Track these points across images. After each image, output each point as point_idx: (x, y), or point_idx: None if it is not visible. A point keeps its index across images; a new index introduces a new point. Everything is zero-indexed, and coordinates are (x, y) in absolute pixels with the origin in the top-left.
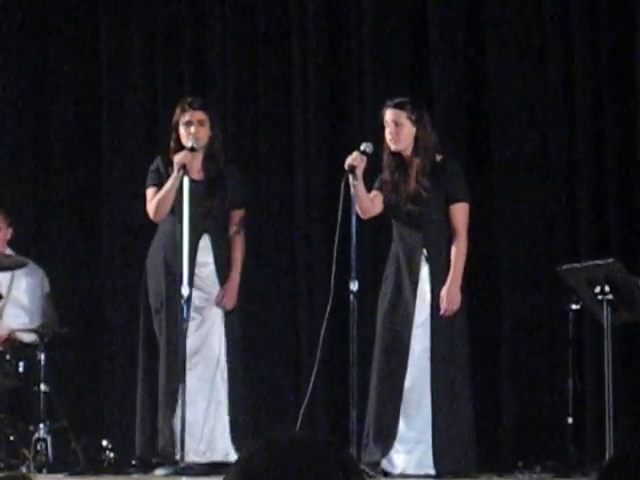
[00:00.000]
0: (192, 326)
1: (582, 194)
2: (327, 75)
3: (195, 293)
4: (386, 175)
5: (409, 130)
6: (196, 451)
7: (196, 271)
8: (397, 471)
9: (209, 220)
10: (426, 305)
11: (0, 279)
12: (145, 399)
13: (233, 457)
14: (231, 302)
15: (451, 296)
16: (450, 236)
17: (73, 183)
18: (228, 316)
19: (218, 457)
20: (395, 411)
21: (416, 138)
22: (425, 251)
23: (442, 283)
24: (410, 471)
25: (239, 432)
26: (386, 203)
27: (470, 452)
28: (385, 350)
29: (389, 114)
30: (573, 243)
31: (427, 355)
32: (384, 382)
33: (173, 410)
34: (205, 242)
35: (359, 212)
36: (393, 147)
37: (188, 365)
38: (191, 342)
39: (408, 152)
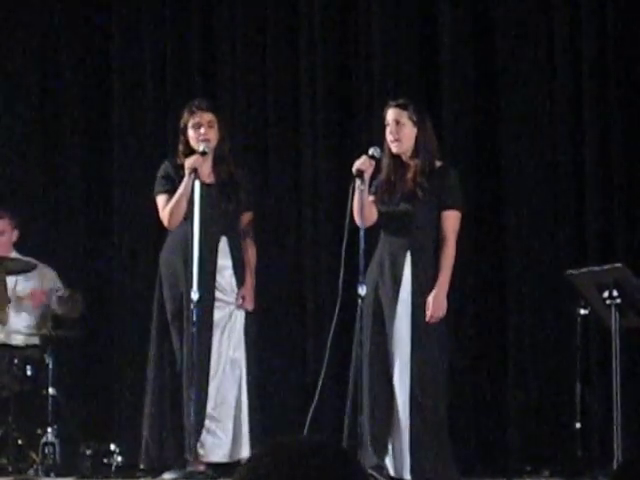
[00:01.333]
0: (217, 329)
1: (589, 199)
2: (335, 79)
3: (220, 296)
4: (383, 176)
5: (410, 130)
6: (225, 453)
7: (220, 274)
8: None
9: (225, 223)
10: (407, 309)
11: (8, 282)
12: (155, 405)
13: None
14: (251, 303)
15: (438, 303)
16: (437, 243)
17: (83, 185)
18: (248, 318)
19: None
20: (388, 417)
21: (417, 139)
22: (409, 254)
23: (424, 288)
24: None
25: (258, 434)
26: (378, 204)
27: (449, 460)
28: (373, 355)
29: (391, 113)
30: (581, 248)
31: (407, 362)
32: (374, 388)
33: (202, 414)
34: (223, 245)
35: (359, 221)
36: (394, 149)
37: (214, 366)
38: (217, 344)
39: (408, 154)
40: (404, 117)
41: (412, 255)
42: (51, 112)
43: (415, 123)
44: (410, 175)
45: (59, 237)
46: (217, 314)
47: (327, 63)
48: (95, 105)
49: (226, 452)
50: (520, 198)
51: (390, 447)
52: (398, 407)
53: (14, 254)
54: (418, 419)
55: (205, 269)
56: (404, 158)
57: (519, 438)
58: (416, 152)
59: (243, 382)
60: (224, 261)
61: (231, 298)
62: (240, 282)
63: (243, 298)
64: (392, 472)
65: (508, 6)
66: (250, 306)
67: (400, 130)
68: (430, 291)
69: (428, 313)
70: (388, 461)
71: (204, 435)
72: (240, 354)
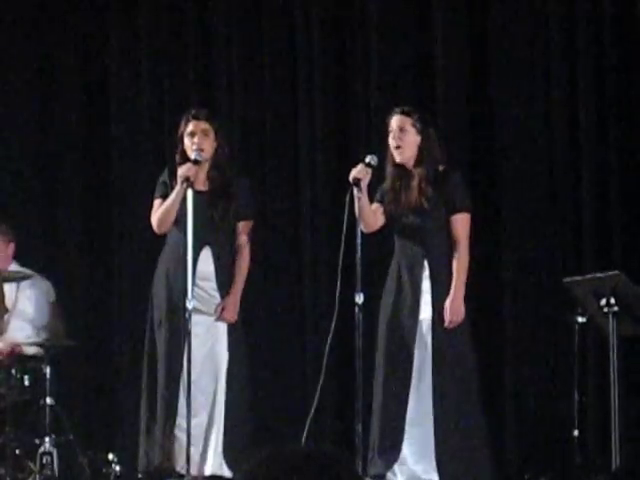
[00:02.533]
0: (196, 340)
1: (587, 206)
2: (333, 88)
3: (198, 306)
4: (387, 185)
5: (413, 138)
6: (197, 464)
7: (200, 283)
8: None
9: (210, 232)
10: (428, 317)
11: (6, 291)
12: (147, 413)
13: (226, 471)
14: (231, 315)
15: (455, 308)
16: (451, 247)
17: (82, 195)
18: (231, 330)
19: (213, 470)
20: (400, 424)
21: (420, 147)
22: (426, 263)
23: (444, 295)
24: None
25: (232, 446)
26: (388, 214)
27: (483, 462)
28: (388, 364)
29: (395, 120)
30: (578, 255)
31: (429, 368)
32: (388, 395)
33: (173, 423)
34: (206, 254)
35: (362, 227)
36: (397, 157)
37: (193, 377)
38: (195, 355)
39: (411, 163)
40: (408, 124)
41: (429, 263)
42: (48, 123)
43: (419, 131)
44: (414, 183)
45: (58, 247)
46: (195, 325)
47: (325, 75)
48: (93, 114)
49: (205, 466)
50: (516, 205)
51: (403, 455)
52: (418, 415)
53: (13, 266)
54: (445, 426)
55: (184, 279)
56: (407, 166)
57: (517, 446)
58: (420, 160)
59: (220, 397)
60: (205, 271)
61: (211, 310)
62: (223, 293)
63: (222, 309)
64: (403, 478)
65: (504, 11)
66: (231, 318)
67: (403, 137)
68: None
69: (446, 319)
70: (397, 468)
71: (176, 446)
72: (221, 367)
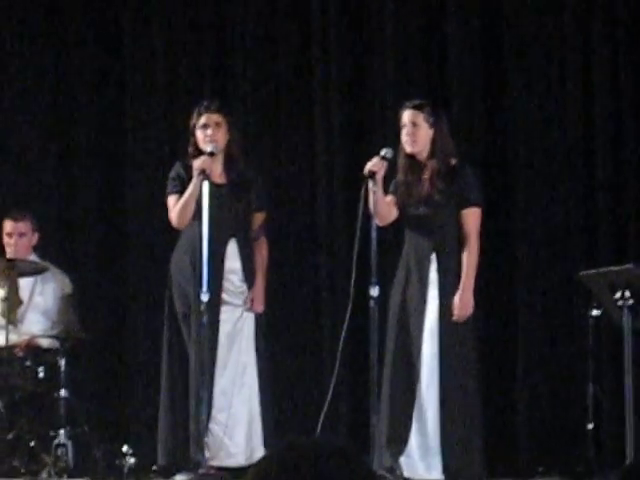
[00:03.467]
0: (226, 332)
1: (602, 199)
2: (348, 81)
3: (226, 298)
4: (400, 177)
5: (426, 132)
6: (235, 455)
7: (228, 276)
8: (406, 474)
9: (235, 224)
10: (435, 310)
11: (22, 284)
12: (168, 407)
13: None
14: (260, 305)
15: (464, 302)
16: (461, 242)
17: (97, 188)
18: (258, 321)
19: (249, 461)
20: (408, 417)
21: (433, 141)
22: (435, 256)
23: (451, 288)
24: (418, 477)
25: (272, 438)
26: (400, 206)
27: (478, 458)
28: (397, 355)
29: (407, 115)
30: (593, 249)
31: (436, 361)
32: (396, 388)
33: (209, 415)
34: (232, 247)
35: (377, 220)
36: (409, 149)
37: (221, 369)
38: (225, 347)
39: (424, 155)
40: (420, 119)
41: (437, 256)
42: (65, 116)
43: (431, 125)
44: (427, 176)
45: (73, 240)
46: (225, 317)
47: (341, 63)
48: (109, 110)
49: (235, 457)
50: (531, 198)
51: (410, 447)
52: (425, 407)
53: (32, 257)
54: (450, 419)
55: (212, 271)
56: (420, 159)
57: (530, 439)
58: (432, 153)
59: (254, 387)
60: (233, 263)
61: (239, 301)
62: (250, 284)
63: (252, 300)
64: (410, 474)
65: (518, 5)
66: (259, 309)
67: (416, 132)
68: (456, 291)
69: (455, 313)
70: (403, 461)
71: (211, 439)
72: (250, 358)
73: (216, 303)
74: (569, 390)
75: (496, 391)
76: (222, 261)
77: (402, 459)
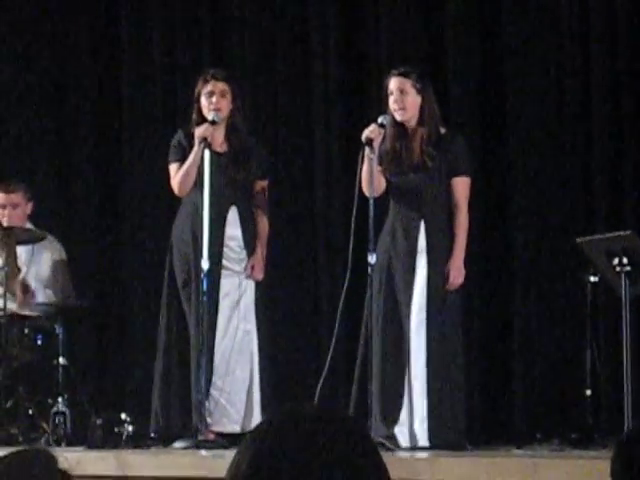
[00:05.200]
0: (226, 298)
1: (599, 166)
2: (346, 49)
3: (227, 265)
4: (387, 146)
5: (414, 99)
6: (237, 421)
7: (228, 243)
8: (403, 444)
9: (236, 192)
10: (423, 279)
11: (20, 253)
12: (162, 374)
13: None
14: (259, 273)
15: (456, 270)
16: (450, 211)
17: (94, 155)
18: (258, 289)
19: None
20: (399, 387)
21: (421, 107)
22: (423, 224)
23: (440, 257)
24: (406, 444)
25: (269, 405)
26: (385, 174)
27: (461, 426)
28: (385, 325)
29: (394, 82)
30: (590, 215)
31: (423, 330)
32: (386, 360)
33: (209, 382)
34: (233, 214)
35: (367, 190)
36: (398, 117)
37: (221, 335)
38: (226, 314)
39: (412, 122)
40: (407, 85)
41: (426, 225)
42: (62, 85)
43: (419, 91)
44: (416, 144)
45: (70, 208)
46: (225, 284)
47: (337, 35)
48: (106, 77)
49: (237, 423)
50: (528, 165)
51: (403, 416)
52: (413, 376)
53: (28, 226)
54: (436, 386)
55: (213, 239)
56: (408, 126)
57: (528, 405)
58: (421, 120)
59: (254, 354)
60: (233, 231)
61: (239, 268)
62: (250, 252)
63: (252, 268)
64: (404, 442)
65: None
66: (259, 276)
67: (404, 99)
68: (446, 259)
69: (449, 282)
70: (398, 430)
71: (212, 405)
72: (251, 325)
73: (216, 270)
74: (567, 356)
75: (494, 358)
76: (222, 228)
77: (396, 428)
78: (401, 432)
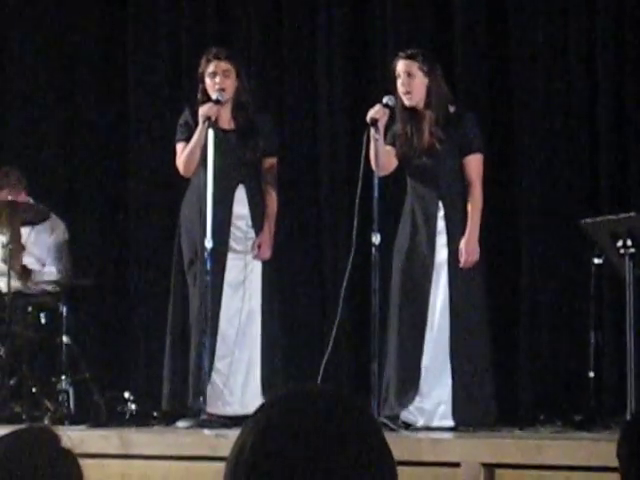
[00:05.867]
0: (231, 278)
1: (604, 147)
2: (351, 29)
3: (233, 245)
4: (399, 128)
5: (421, 81)
6: (231, 404)
7: (236, 222)
8: (419, 423)
9: (243, 170)
10: (443, 259)
11: (24, 232)
12: (171, 354)
13: None
14: (267, 252)
15: (470, 248)
16: (465, 189)
17: (99, 135)
18: (265, 267)
19: (249, 410)
20: (416, 366)
21: (428, 89)
22: (441, 204)
23: (459, 236)
24: (430, 424)
25: (271, 384)
26: (400, 157)
27: (490, 405)
28: (404, 304)
29: (401, 65)
30: (595, 197)
31: (446, 309)
32: (404, 336)
33: (212, 363)
34: (241, 193)
35: (377, 169)
36: (407, 102)
37: (225, 317)
38: (230, 294)
39: (421, 105)
40: (414, 68)
41: (444, 205)
42: (67, 67)
43: (426, 73)
44: (426, 126)
45: (75, 187)
46: (231, 264)
47: (343, 16)
48: (111, 59)
49: (230, 406)
50: (533, 147)
51: (421, 395)
52: (438, 353)
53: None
54: (462, 364)
55: (219, 218)
56: (418, 109)
57: (532, 387)
58: (428, 102)
59: (257, 335)
60: (241, 209)
61: (246, 247)
62: (257, 230)
63: (259, 246)
64: (421, 421)
65: None
66: (267, 254)
67: (412, 82)
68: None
69: (462, 259)
70: (414, 409)
71: (210, 388)
72: (256, 306)
73: (223, 251)
74: (571, 338)
75: (497, 340)
76: (230, 208)
77: (413, 407)
78: (420, 411)
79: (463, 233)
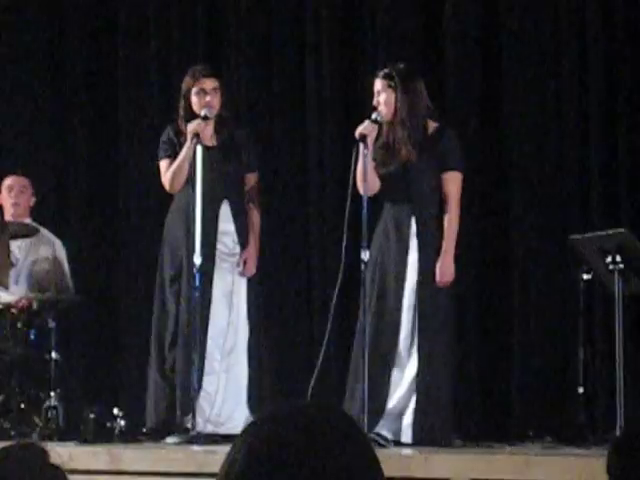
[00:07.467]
0: (217, 295)
1: (594, 163)
2: (341, 45)
3: (219, 262)
4: (379, 143)
5: (389, 97)
6: (215, 422)
7: (221, 239)
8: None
9: (227, 186)
10: (414, 275)
11: (16, 247)
12: (157, 371)
13: None
14: (252, 268)
15: (445, 267)
16: (441, 207)
17: (89, 152)
18: (251, 283)
19: (236, 429)
20: (385, 384)
21: (396, 106)
22: (414, 220)
23: (431, 253)
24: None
25: (258, 401)
26: (377, 170)
27: (449, 425)
28: (374, 324)
29: (375, 83)
30: (584, 213)
31: (414, 327)
32: (375, 357)
33: (200, 380)
34: (225, 209)
35: (364, 188)
36: (373, 116)
37: (213, 333)
38: (217, 311)
39: (395, 121)
40: (384, 85)
41: (417, 221)
42: (58, 78)
43: (394, 89)
44: (400, 142)
45: (66, 203)
46: (218, 280)
47: (332, 25)
48: (102, 72)
49: (211, 423)
50: (523, 162)
51: (389, 411)
52: (404, 371)
53: (28, 220)
54: (424, 383)
55: (206, 235)
56: (393, 124)
57: (521, 403)
58: (398, 118)
59: (243, 352)
60: (226, 225)
61: (232, 264)
62: (243, 246)
63: (244, 262)
64: (390, 435)
65: None
66: (252, 270)
67: (379, 98)
68: (437, 255)
69: (437, 279)
70: (382, 425)
71: (197, 406)
72: (241, 322)
73: (209, 267)
74: (560, 354)
75: (486, 355)
76: (216, 224)
77: (381, 422)
78: (385, 427)
79: (435, 251)
